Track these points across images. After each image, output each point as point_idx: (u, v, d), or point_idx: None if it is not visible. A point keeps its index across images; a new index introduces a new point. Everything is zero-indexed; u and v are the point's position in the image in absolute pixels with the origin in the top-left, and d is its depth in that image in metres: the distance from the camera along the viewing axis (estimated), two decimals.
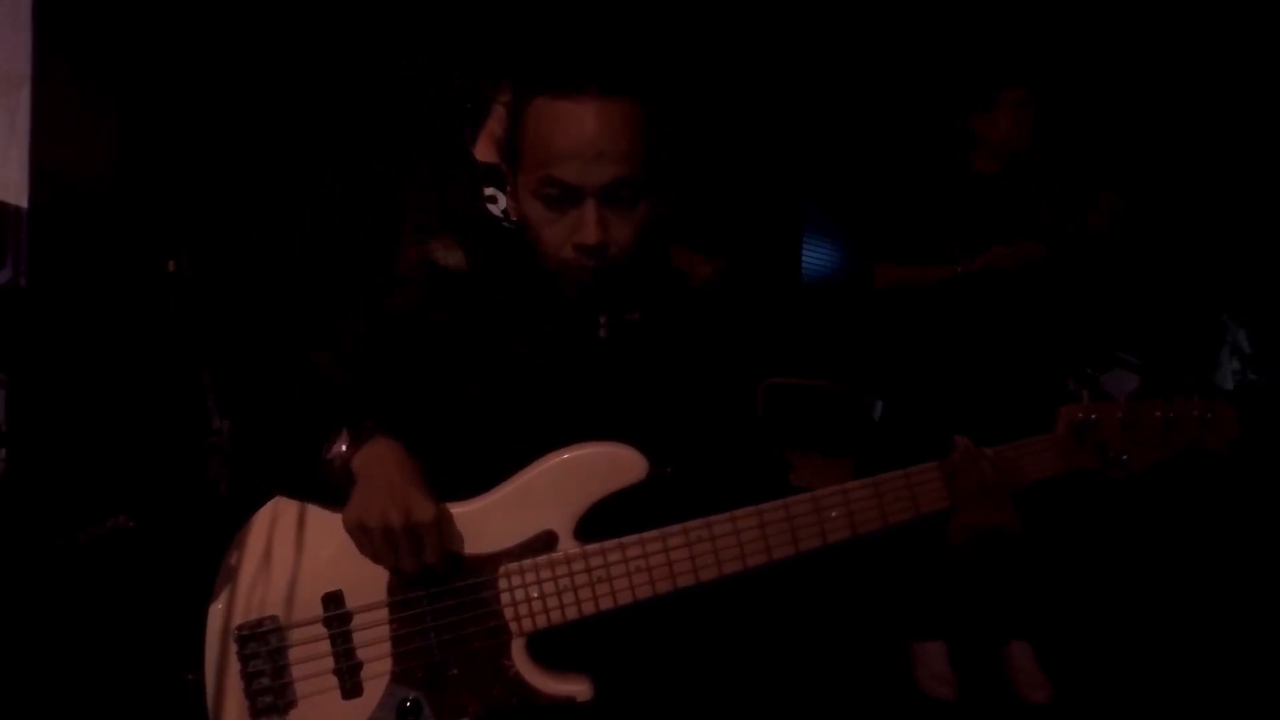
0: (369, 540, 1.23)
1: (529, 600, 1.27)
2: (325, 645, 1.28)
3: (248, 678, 1.27)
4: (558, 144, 1.27)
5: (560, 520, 1.29)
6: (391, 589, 1.28)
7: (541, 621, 1.27)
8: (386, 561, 1.24)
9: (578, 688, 1.28)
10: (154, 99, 2.99)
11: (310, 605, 1.29)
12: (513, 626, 1.27)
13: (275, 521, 1.32)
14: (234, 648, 1.28)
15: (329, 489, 1.27)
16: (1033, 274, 2.89)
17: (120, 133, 2.92)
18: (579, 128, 1.27)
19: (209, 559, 1.34)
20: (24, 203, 2.62)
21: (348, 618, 1.28)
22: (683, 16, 3.64)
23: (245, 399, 1.42)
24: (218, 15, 3.12)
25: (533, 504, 1.29)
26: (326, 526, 1.30)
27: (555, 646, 1.30)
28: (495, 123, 1.41)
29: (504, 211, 1.45)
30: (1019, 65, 3.02)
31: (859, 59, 4.21)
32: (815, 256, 5.08)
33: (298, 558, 1.30)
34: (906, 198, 3.07)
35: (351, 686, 1.27)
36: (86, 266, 2.79)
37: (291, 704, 1.27)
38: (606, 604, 1.27)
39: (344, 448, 1.25)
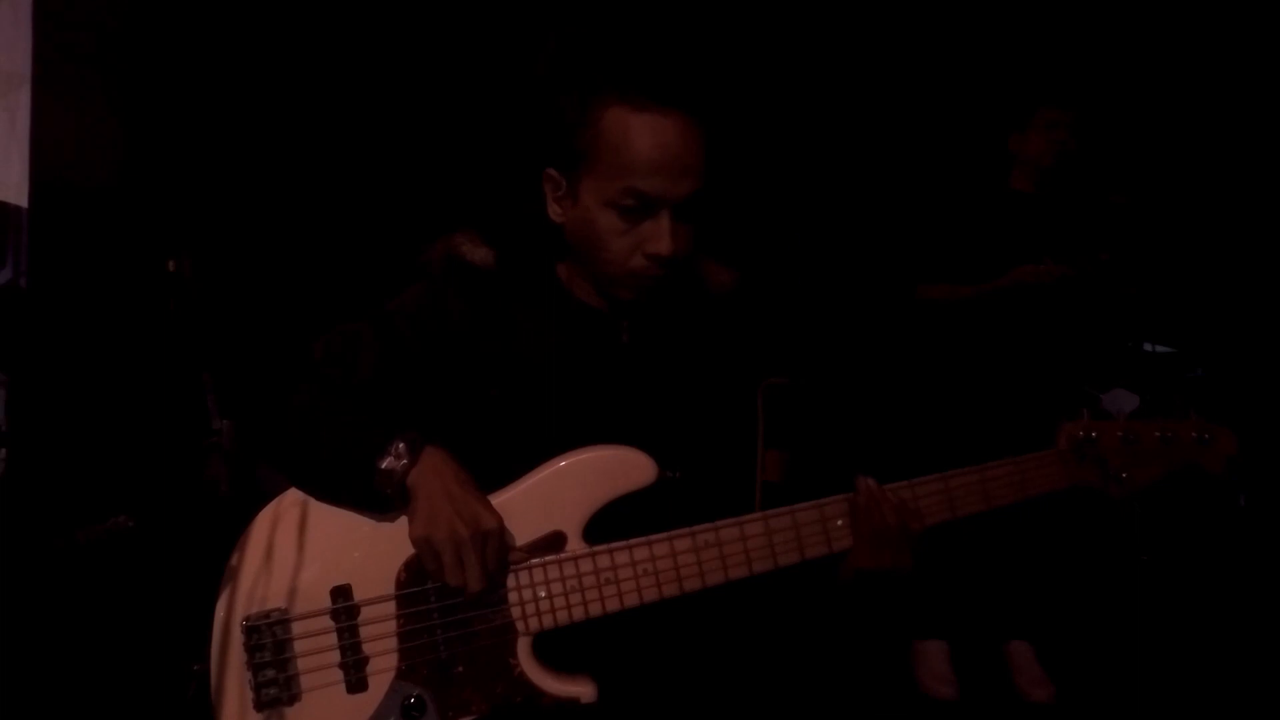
0: (436, 555, 1.23)
1: (536, 600, 1.28)
2: (332, 638, 1.28)
3: (253, 669, 1.27)
4: (642, 155, 1.27)
5: (569, 521, 1.29)
6: (400, 584, 1.29)
7: (548, 621, 1.28)
8: (454, 577, 1.23)
9: (581, 689, 1.28)
10: (154, 99, 2.99)
11: (318, 599, 1.28)
12: (519, 625, 1.28)
13: (283, 516, 1.32)
14: (241, 639, 1.27)
15: (376, 500, 1.27)
16: (1057, 291, 2.91)
17: (120, 132, 2.91)
18: (664, 141, 1.27)
19: (209, 559, 1.33)
20: (24, 203, 2.62)
21: (355, 611, 1.28)
22: (725, 35, 3.66)
23: (272, 409, 1.38)
24: (217, 15, 3.12)
25: (542, 504, 1.30)
26: (336, 521, 1.31)
27: (560, 647, 1.30)
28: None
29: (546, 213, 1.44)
30: (1054, 86, 3.05)
31: (899, 78, 4.25)
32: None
33: (305, 552, 1.30)
34: (945, 215, 3.10)
35: (356, 681, 1.27)
36: (86, 266, 2.78)
37: (296, 696, 1.27)
38: (613, 605, 1.28)
39: (403, 461, 1.24)
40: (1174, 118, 4.04)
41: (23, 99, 2.61)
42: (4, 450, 2.55)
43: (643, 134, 1.28)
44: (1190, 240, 3.87)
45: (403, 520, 1.27)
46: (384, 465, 1.24)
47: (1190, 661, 2.99)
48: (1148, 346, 3.56)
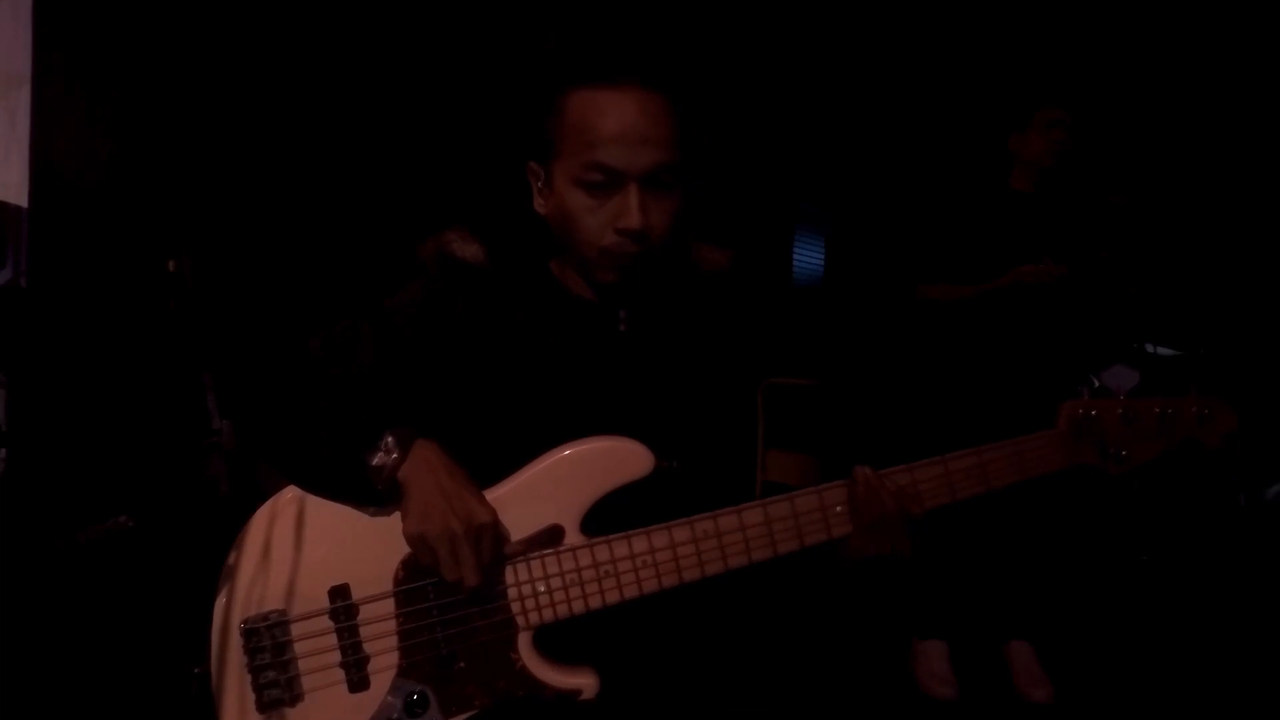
0: (431, 551, 1.22)
1: (535, 594, 1.27)
2: (332, 638, 1.27)
3: (254, 671, 1.27)
4: (602, 130, 1.29)
5: (566, 514, 1.29)
6: (398, 582, 1.28)
7: (548, 615, 1.27)
8: (450, 573, 1.22)
9: (583, 681, 1.28)
10: (153, 99, 2.99)
11: (316, 598, 1.28)
12: (519, 620, 1.27)
13: (279, 516, 1.31)
14: (240, 641, 1.27)
15: (371, 496, 1.27)
16: (1057, 291, 2.90)
17: (120, 132, 2.92)
18: (623, 114, 1.29)
19: (209, 558, 1.33)
20: (24, 203, 2.63)
21: (354, 611, 1.28)
22: (717, 24, 3.67)
23: (268, 406, 1.38)
24: (217, 15, 3.12)
25: (539, 498, 1.29)
26: (332, 520, 1.30)
27: (561, 639, 1.30)
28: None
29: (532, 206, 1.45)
30: (1055, 86, 3.05)
31: (900, 77, 4.26)
32: (812, 257, 5.10)
33: (303, 551, 1.29)
34: (945, 214, 3.10)
35: (358, 679, 1.27)
36: (86, 266, 2.79)
37: (298, 697, 1.27)
38: (613, 598, 1.28)
39: (393, 456, 1.24)
40: (1174, 118, 4.05)
41: (23, 99, 2.61)
42: (4, 450, 2.55)
43: (603, 109, 1.30)
44: (1190, 240, 3.88)
45: (399, 517, 1.26)
46: (374, 461, 1.24)
47: (1190, 661, 2.99)
48: (1149, 347, 3.56)
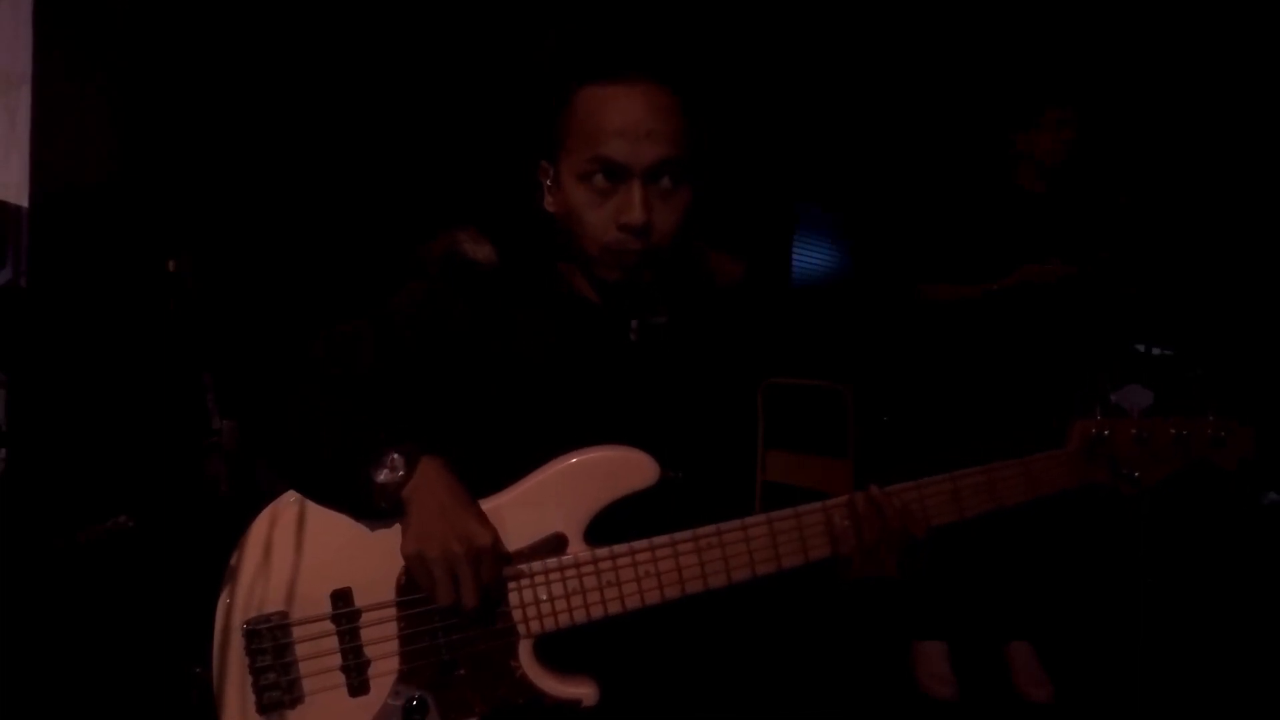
0: (428, 571, 1.21)
1: (537, 602, 1.27)
2: (333, 642, 1.27)
3: (255, 673, 1.26)
4: (606, 123, 1.28)
5: (570, 523, 1.28)
6: (400, 588, 1.28)
7: (549, 624, 1.27)
8: (445, 595, 1.21)
9: (584, 690, 1.27)
10: (153, 98, 2.99)
11: (318, 602, 1.28)
12: (520, 628, 1.27)
13: (282, 519, 1.31)
14: (241, 643, 1.27)
15: (370, 510, 1.26)
16: (1060, 291, 2.90)
17: (120, 132, 2.91)
18: (628, 107, 1.28)
19: (209, 559, 1.33)
20: (24, 203, 2.63)
21: (356, 615, 1.27)
22: (720, 22, 3.67)
23: (269, 407, 1.36)
24: (217, 15, 3.11)
25: (543, 506, 1.29)
26: (335, 522, 1.30)
27: (562, 648, 1.29)
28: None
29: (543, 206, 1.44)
30: (1063, 84, 3.04)
31: (910, 72, 4.25)
32: (812, 256, 5.10)
33: (306, 555, 1.29)
34: (950, 213, 3.09)
35: (358, 684, 1.27)
36: (86, 266, 2.79)
37: (298, 700, 1.27)
38: (615, 608, 1.27)
39: (400, 474, 1.23)
40: (1178, 117, 4.05)
41: (23, 99, 2.61)
42: (4, 450, 2.55)
43: (609, 104, 1.29)
44: (1191, 241, 3.88)
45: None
46: (380, 479, 1.23)
47: (1191, 662, 2.99)
48: (1155, 349, 3.56)
